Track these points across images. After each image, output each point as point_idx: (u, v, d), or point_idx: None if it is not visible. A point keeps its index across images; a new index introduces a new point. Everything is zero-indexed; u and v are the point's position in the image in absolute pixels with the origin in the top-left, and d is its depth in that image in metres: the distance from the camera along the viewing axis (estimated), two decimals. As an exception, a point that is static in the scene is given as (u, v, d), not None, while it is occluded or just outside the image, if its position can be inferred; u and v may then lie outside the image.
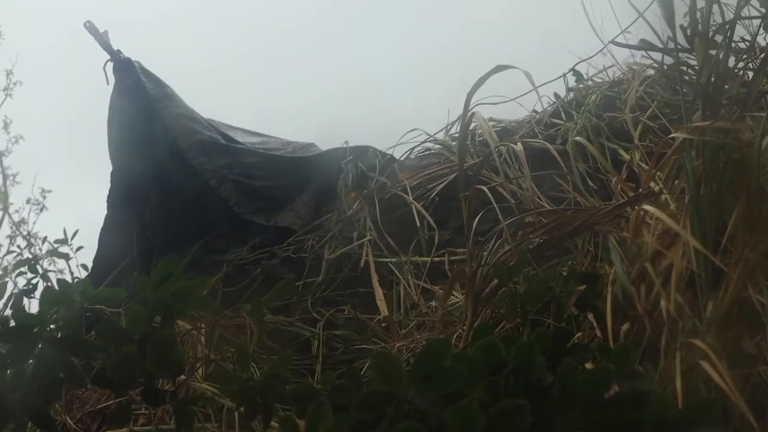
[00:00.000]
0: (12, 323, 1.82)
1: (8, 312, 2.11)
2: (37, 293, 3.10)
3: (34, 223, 10.17)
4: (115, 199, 4.14)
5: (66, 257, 3.90)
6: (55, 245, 3.86)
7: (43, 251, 4.03)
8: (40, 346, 1.74)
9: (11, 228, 10.08)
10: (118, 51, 3.93)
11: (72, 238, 3.84)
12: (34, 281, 3.26)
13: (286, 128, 4.74)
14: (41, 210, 10.29)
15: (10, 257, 7.52)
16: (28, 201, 10.30)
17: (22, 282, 3.33)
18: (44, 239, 3.99)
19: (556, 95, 4.18)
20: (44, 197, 10.32)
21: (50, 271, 3.75)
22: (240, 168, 4.07)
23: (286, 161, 4.32)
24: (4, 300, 2.52)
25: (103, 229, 4.15)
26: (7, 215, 10.16)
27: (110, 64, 3.94)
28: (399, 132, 4.43)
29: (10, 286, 3.08)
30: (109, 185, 4.15)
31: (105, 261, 4.05)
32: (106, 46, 3.86)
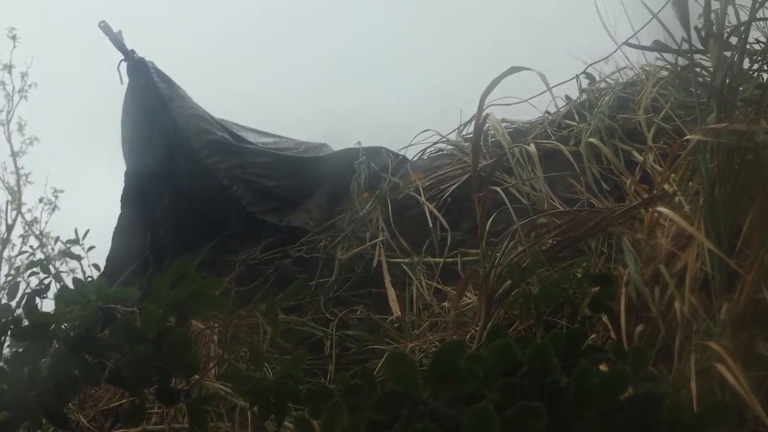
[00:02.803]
0: (25, 323, 1.83)
1: (20, 312, 2.13)
2: (49, 293, 3.11)
3: (46, 222, 10.22)
4: (128, 199, 4.17)
5: (78, 257, 3.92)
6: (67, 245, 3.88)
7: (56, 251, 4.05)
8: (55, 344, 1.75)
9: (24, 228, 10.15)
10: (132, 51, 3.95)
11: (83, 238, 3.86)
12: (46, 281, 3.27)
13: (283, 123, 4.76)
14: (53, 210, 10.33)
15: (23, 257, 7.59)
16: (40, 200, 10.35)
17: (34, 282, 3.34)
18: (56, 239, 4.01)
19: (568, 97, 4.17)
20: (56, 197, 10.36)
21: (62, 271, 3.77)
22: (252, 168, 4.08)
23: (298, 161, 4.33)
24: (17, 300, 2.53)
25: (116, 228, 4.18)
26: (20, 215, 10.23)
27: (124, 64, 3.96)
28: (399, 126, 4.43)
29: (22, 286, 3.08)
30: (122, 185, 4.18)
31: (118, 260, 4.07)
32: (120, 46, 3.88)
